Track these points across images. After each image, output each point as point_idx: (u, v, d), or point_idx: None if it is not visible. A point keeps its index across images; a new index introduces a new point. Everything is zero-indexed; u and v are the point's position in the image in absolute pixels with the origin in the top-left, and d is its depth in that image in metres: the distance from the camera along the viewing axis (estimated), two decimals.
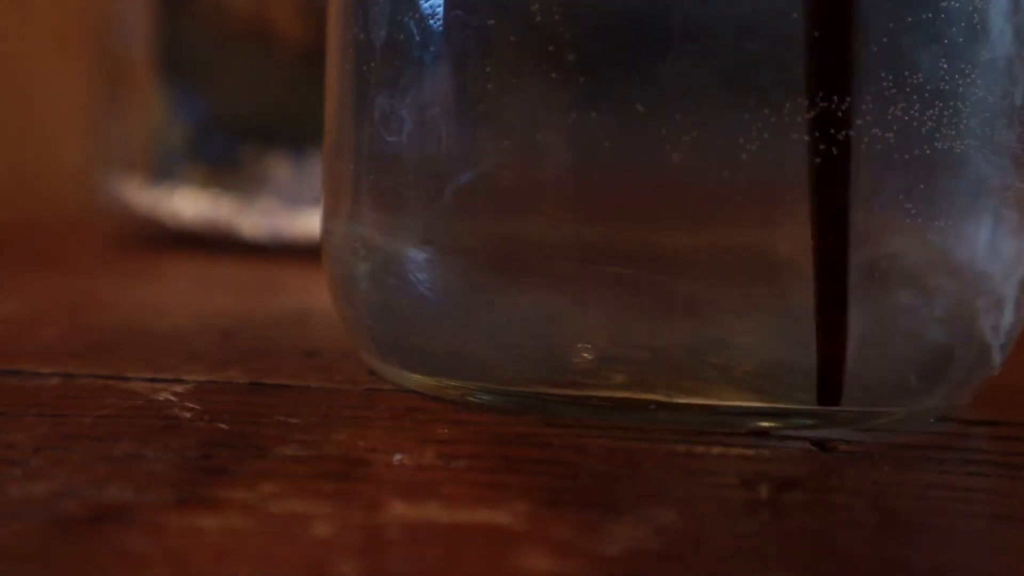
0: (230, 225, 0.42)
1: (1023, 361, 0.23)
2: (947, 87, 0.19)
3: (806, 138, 0.18)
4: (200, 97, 0.44)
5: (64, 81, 0.54)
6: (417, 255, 0.20)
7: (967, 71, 0.19)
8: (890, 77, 0.18)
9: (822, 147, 0.18)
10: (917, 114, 0.18)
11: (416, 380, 0.21)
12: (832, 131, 0.18)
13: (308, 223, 0.41)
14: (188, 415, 0.19)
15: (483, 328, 0.19)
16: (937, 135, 0.19)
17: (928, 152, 0.19)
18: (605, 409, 0.19)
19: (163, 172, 0.44)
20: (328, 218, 0.22)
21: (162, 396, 0.21)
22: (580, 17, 0.18)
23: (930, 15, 0.18)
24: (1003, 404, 0.22)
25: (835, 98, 0.18)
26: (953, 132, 0.19)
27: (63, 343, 0.25)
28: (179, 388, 0.21)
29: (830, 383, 0.19)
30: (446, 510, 0.16)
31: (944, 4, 0.18)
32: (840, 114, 0.18)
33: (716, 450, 0.18)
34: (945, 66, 0.18)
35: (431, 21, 0.19)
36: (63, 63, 0.54)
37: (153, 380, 0.22)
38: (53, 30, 0.57)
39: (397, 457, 0.18)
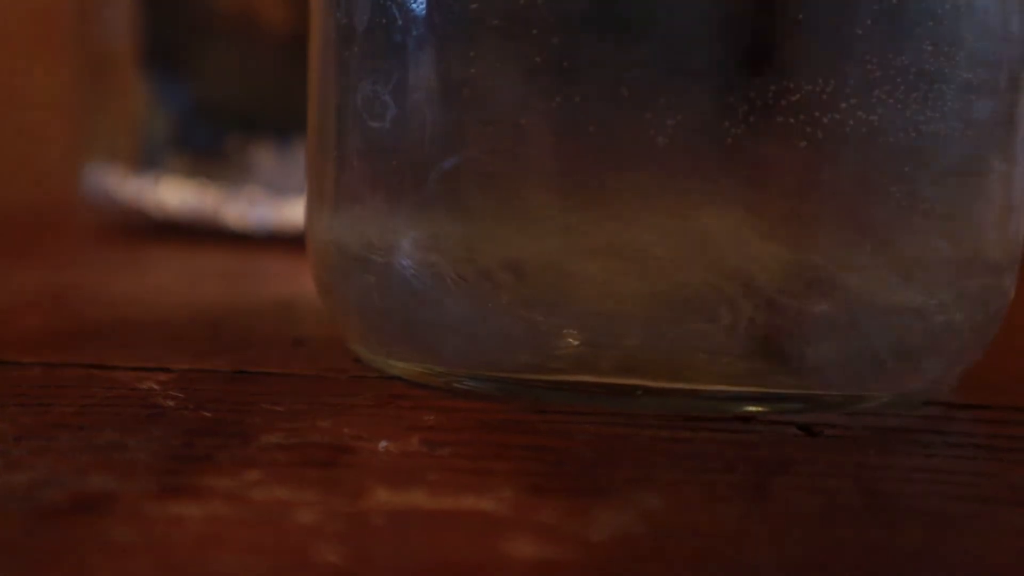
0: (215, 214, 0.42)
1: (1007, 345, 0.23)
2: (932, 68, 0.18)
3: (791, 121, 0.18)
4: (184, 86, 0.43)
5: (47, 71, 0.53)
6: (402, 241, 0.20)
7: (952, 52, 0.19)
8: (874, 59, 0.18)
9: (808, 130, 0.18)
10: (902, 96, 0.18)
11: (401, 367, 0.21)
12: (817, 114, 0.18)
13: (293, 212, 0.41)
14: (172, 403, 0.19)
15: (469, 314, 0.19)
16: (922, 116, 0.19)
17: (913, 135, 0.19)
18: (591, 395, 0.19)
19: (147, 162, 0.43)
20: (312, 205, 0.22)
21: (146, 385, 0.20)
22: (564, 0, 0.18)
23: None
24: (988, 388, 0.22)
25: (820, 80, 0.18)
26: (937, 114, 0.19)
27: (46, 333, 0.25)
28: (163, 377, 0.21)
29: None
30: (431, 497, 0.16)
31: None
32: (824, 97, 0.18)
33: (703, 435, 0.18)
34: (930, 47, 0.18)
35: (413, 5, 0.19)
36: (46, 53, 0.54)
37: (137, 369, 0.21)
38: (35, 20, 0.57)
39: (382, 444, 0.18)
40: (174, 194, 0.42)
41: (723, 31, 0.18)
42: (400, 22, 0.19)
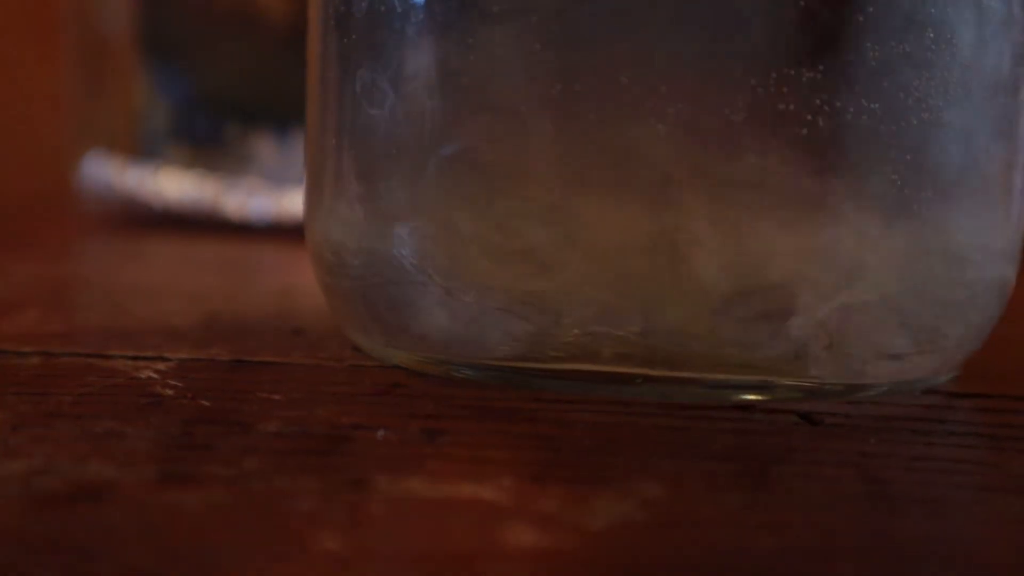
0: (215, 205, 0.42)
1: (1007, 334, 0.23)
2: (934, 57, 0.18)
3: (791, 109, 0.18)
4: (184, 77, 0.43)
5: (46, 61, 0.53)
6: (400, 229, 0.20)
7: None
8: (876, 47, 0.18)
9: (808, 117, 0.18)
10: (904, 84, 0.18)
11: (400, 356, 0.21)
12: (819, 101, 0.18)
13: (292, 202, 0.41)
14: (171, 392, 0.19)
15: (468, 303, 0.19)
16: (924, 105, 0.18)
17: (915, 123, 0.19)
18: (591, 383, 0.19)
19: (147, 152, 0.43)
20: (311, 194, 0.22)
21: (144, 374, 0.20)
22: None
23: None
24: (988, 377, 0.22)
25: (822, 67, 0.18)
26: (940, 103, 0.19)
27: (45, 323, 0.25)
28: (162, 366, 0.21)
29: None
30: (430, 485, 0.15)
31: None
32: (827, 83, 0.18)
33: (703, 423, 0.18)
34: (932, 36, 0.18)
35: None
36: (44, 42, 0.53)
37: (135, 358, 0.21)
38: (34, 9, 0.57)
39: (381, 432, 0.18)
40: (173, 184, 0.42)
41: (724, 19, 0.18)
42: (399, 9, 0.19)
